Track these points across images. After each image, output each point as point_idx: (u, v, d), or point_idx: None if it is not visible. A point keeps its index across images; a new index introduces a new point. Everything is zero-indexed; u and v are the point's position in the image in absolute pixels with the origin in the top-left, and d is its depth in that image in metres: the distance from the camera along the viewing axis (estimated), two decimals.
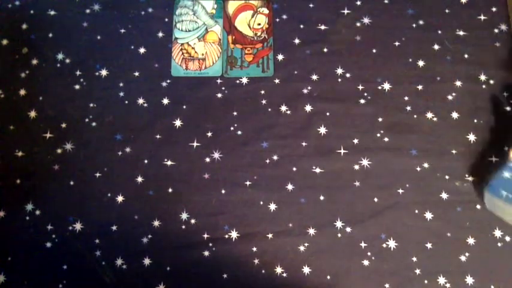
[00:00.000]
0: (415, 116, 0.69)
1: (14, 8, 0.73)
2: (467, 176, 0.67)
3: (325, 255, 0.64)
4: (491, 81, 0.70)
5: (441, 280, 0.63)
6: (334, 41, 0.72)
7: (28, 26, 0.72)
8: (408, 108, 0.69)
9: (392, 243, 0.64)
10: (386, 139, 0.68)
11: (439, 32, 0.72)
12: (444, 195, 0.66)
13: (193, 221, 0.65)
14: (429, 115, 0.69)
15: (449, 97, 0.70)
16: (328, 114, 0.69)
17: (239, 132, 0.68)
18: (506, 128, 0.68)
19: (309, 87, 0.70)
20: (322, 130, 0.69)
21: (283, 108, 0.69)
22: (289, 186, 0.66)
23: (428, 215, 0.65)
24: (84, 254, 0.64)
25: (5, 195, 0.66)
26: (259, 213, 0.65)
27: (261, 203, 0.66)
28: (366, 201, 0.66)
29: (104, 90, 0.70)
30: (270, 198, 0.66)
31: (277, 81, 0.71)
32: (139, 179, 0.66)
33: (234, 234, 0.65)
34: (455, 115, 0.69)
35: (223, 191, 0.66)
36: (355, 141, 0.68)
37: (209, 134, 0.68)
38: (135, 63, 0.71)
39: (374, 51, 0.71)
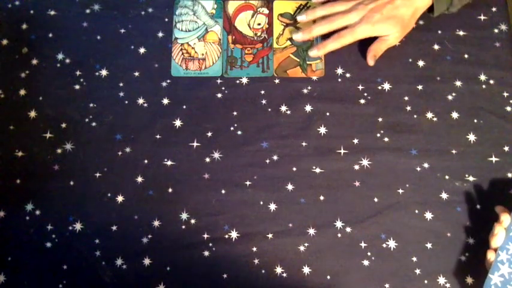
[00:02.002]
0: (415, 116, 0.69)
1: (14, 8, 0.73)
2: (467, 176, 0.67)
3: (325, 255, 0.64)
4: (491, 81, 0.70)
5: (441, 280, 0.63)
6: None
7: (28, 26, 0.72)
8: (408, 108, 0.69)
9: (392, 243, 0.64)
10: (386, 139, 0.68)
11: (439, 32, 0.72)
12: (444, 195, 0.66)
13: (193, 221, 0.65)
14: (429, 115, 0.69)
15: (449, 97, 0.70)
16: (328, 114, 0.69)
17: (239, 132, 0.68)
18: (506, 128, 0.69)
19: (309, 87, 0.70)
20: (322, 130, 0.69)
21: (283, 108, 0.69)
22: (289, 186, 0.66)
23: (428, 215, 0.65)
24: (84, 254, 0.64)
25: (5, 195, 0.66)
26: (259, 213, 0.65)
27: (261, 203, 0.66)
28: (366, 201, 0.66)
29: (104, 90, 0.70)
30: (270, 198, 0.66)
31: (277, 81, 0.71)
32: (139, 179, 0.66)
33: (234, 234, 0.65)
34: (455, 115, 0.69)
35: (223, 191, 0.66)
36: (355, 141, 0.68)
37: (209, 134, 0.68)
38: (135, 63, 0.71)
39: None
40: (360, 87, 0.70)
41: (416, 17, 0.69)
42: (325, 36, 0.69)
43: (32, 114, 0.69)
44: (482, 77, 0.71)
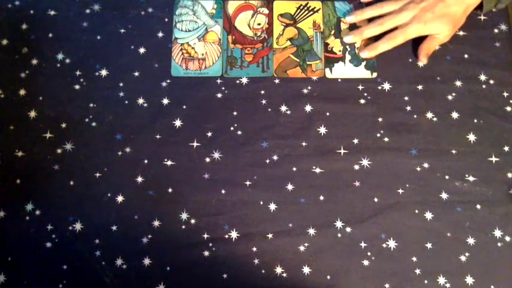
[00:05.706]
0: (415, 116, 0.69)
1: (14, 8, 0.73)
2: (467, 176, 0.67)
3: (325, 255, 0.64)
4: (491, 81, 0.70)
5: (441, 280, 0.63)
6: None
7: (28, 26, 0.72)
8: (408, 108, 0.69)
9: (392, 243, 0.64)
10: (386, 139, 0.68)
11: None
12: (444, 195, 0.66)
13: (193, 221, 0.65)
14: (429, 115, 0.69)
15: (449, 97, 0.70)
16: (328, 114, 0.69)
17: (239, 132, 0.68)
18: (506, 128, 0.69)
19: (309, 87, 0.70)
20: (322, 130, 0.69)
21: (283, 108, 0.69)
22: (289, 186, 0.66)
23: (428, 215, 0.65)
24: (84, 254, 0.64)
25: (5, 195, 0.66)
26: (259, 213, 0.65)
27: (261, 203, 0.66)
28: (366, 201, 0.66)
29: (104, 90, 0.70)
30: (270, 198, 0.66)
31: (277, 81, 0.71)
32: (139, 179, 0.66)
33: (234, 234, 0.65)
34: (455, 115, 0.69)
35: (223, 191, 0.66)
36: (355, 141, 0.68)
37: (209, 134, 0.68)
38: (135, 63, 0.71)
39: None
40: (360, 87, 0.70)
41: (467, 14, 0.69)
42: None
43: (32, 114, 0.69)
44: (482, 77, 0.71)
